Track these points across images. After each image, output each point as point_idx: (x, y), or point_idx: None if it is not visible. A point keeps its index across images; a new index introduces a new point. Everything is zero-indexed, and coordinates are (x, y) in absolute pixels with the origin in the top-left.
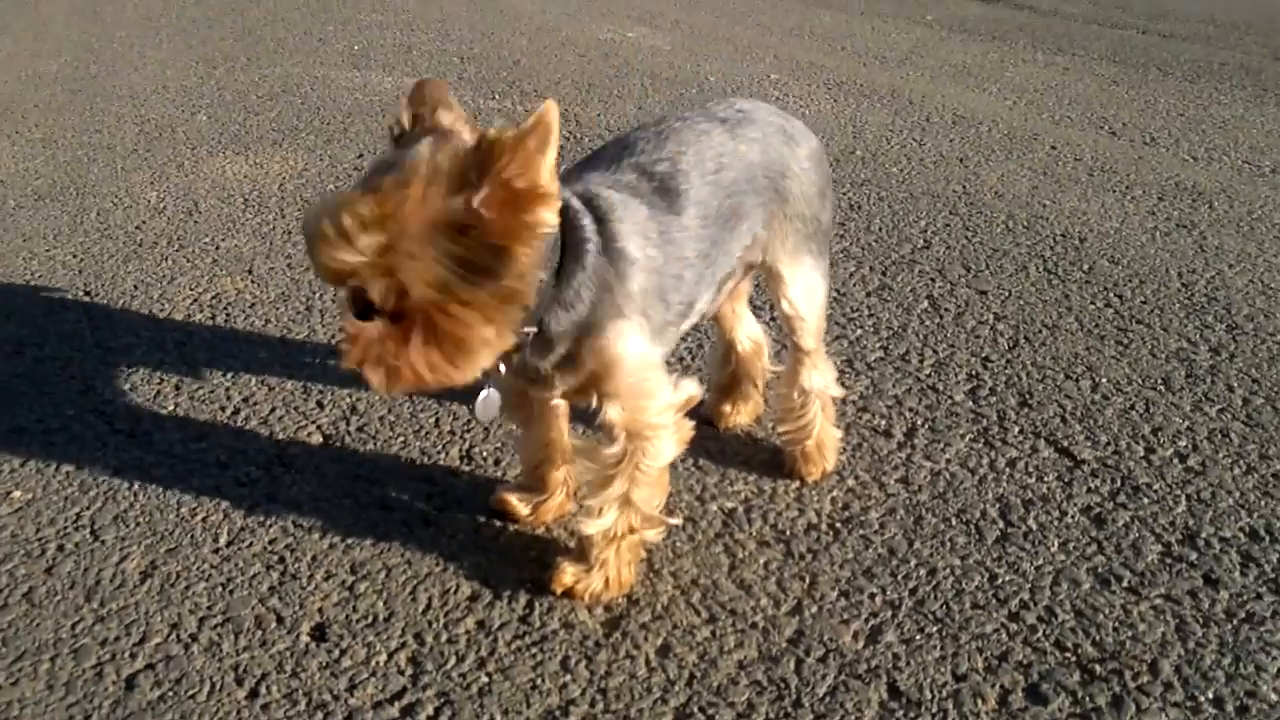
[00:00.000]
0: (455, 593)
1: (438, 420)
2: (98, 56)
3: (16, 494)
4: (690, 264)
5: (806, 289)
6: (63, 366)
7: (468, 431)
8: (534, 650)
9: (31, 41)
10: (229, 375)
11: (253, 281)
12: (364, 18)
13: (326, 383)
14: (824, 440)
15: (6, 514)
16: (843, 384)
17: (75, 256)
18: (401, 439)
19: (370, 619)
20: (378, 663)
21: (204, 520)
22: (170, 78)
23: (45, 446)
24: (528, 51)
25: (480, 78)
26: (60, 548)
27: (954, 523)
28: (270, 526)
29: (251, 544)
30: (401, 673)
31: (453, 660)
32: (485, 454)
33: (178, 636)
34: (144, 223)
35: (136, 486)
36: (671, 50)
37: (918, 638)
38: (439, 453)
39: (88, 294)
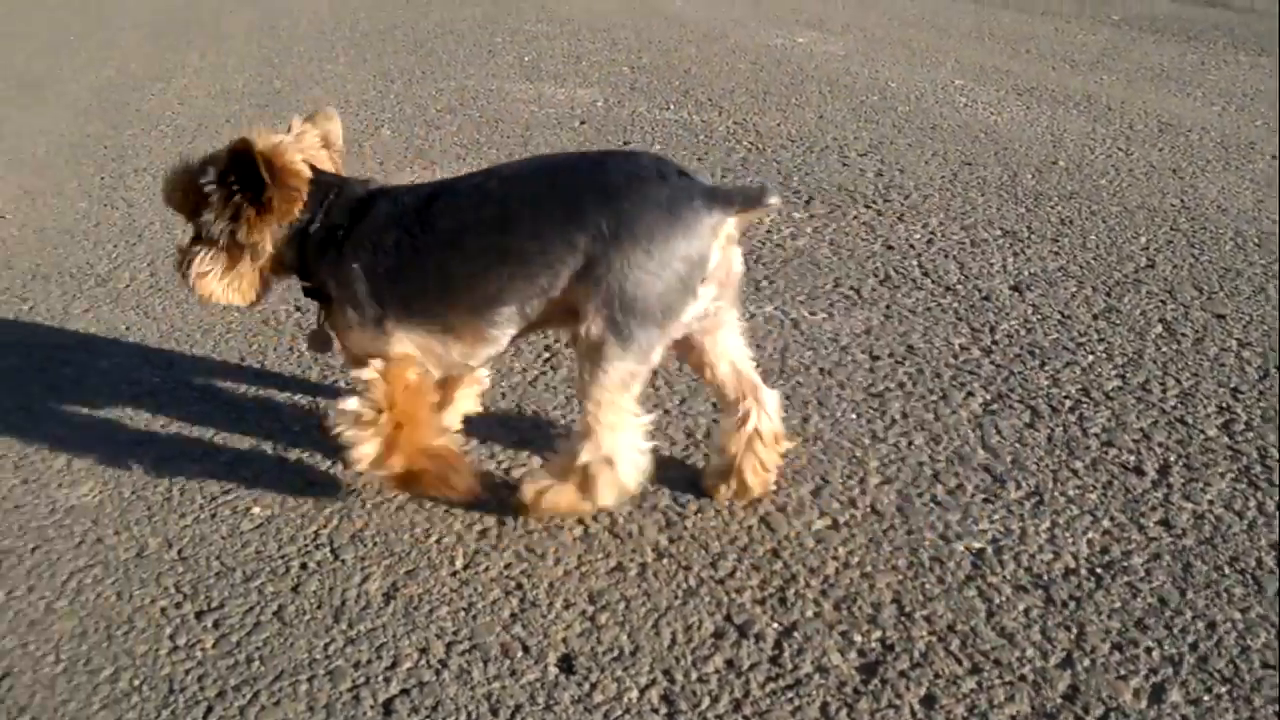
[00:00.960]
0: (699, 628)
1: (671, 445)
2: (279, 71)
3: (256, 510)
4: None
5: None
6: (283, 386)
7: (706, 458)
8: (790, 695)
9: (216, 57)
10: None
11: None
12: (531, 28)
13: (541, 405)
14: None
15: (249, 530)
16: (1080, 414)
17: None
18: None
19: (616, 652)
20: (630, 699)
21: (438, 542)
22: (350, 91)
23: (278, 464)
24: (697, 60)
25: (652, 88)
26: (303, 566)
27: (1227, 572)
28: (504, 551)
29: (488, 568)
30: (655, 711)
31: (706, 701)
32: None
33: (427, 662)
34: None
35: (369, 506)
36: (846, 56)
37: (1206, 698)
38: (673, 481)
39: (297, 308)
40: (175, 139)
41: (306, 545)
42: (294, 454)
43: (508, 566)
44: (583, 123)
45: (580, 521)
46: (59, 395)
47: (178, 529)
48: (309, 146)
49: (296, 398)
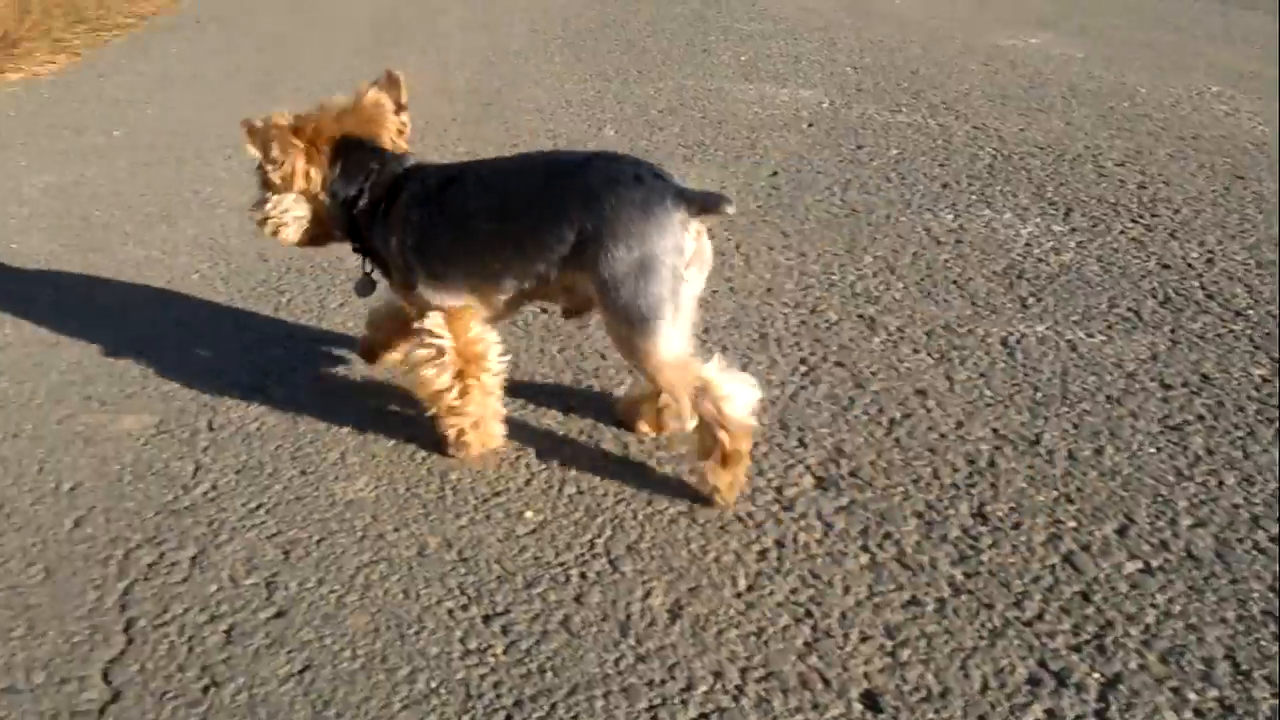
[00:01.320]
0: (1011, 673)
1: (935, 471)
2: (497, 70)
3: (529, 514)
4: None
5: None
6: (536, 392)
7: (987, 487)
8: None
9: (435, 55)
10: None
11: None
12: (744, 27)
13: (805, 422)
14: None
15: (524, 534)
16: None
17: None
18: (901, 488)
19: (923, 693)
20: None
21: (717, 560)
22: (570, 91)
23: (544, 468)
24: (924, 61)
25: (879, 89)
26: (583, 575)
27: None
28: (788, 574)
29: (773, 592)
30: None
31: None
32: (1001, 513)
33: (723, 687)
34: None
35: (642, 517)
36: (1086, 58)
37: None
38: (947, 507)
39: (543, 310)
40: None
41: (583, 554)
42: (557, 459)
43: (794, 591)
44: (810, 125)
45: (865, 549)
46: (326, 389)
47: (455, 529)
48: (370, 117)
49: (551, 399)
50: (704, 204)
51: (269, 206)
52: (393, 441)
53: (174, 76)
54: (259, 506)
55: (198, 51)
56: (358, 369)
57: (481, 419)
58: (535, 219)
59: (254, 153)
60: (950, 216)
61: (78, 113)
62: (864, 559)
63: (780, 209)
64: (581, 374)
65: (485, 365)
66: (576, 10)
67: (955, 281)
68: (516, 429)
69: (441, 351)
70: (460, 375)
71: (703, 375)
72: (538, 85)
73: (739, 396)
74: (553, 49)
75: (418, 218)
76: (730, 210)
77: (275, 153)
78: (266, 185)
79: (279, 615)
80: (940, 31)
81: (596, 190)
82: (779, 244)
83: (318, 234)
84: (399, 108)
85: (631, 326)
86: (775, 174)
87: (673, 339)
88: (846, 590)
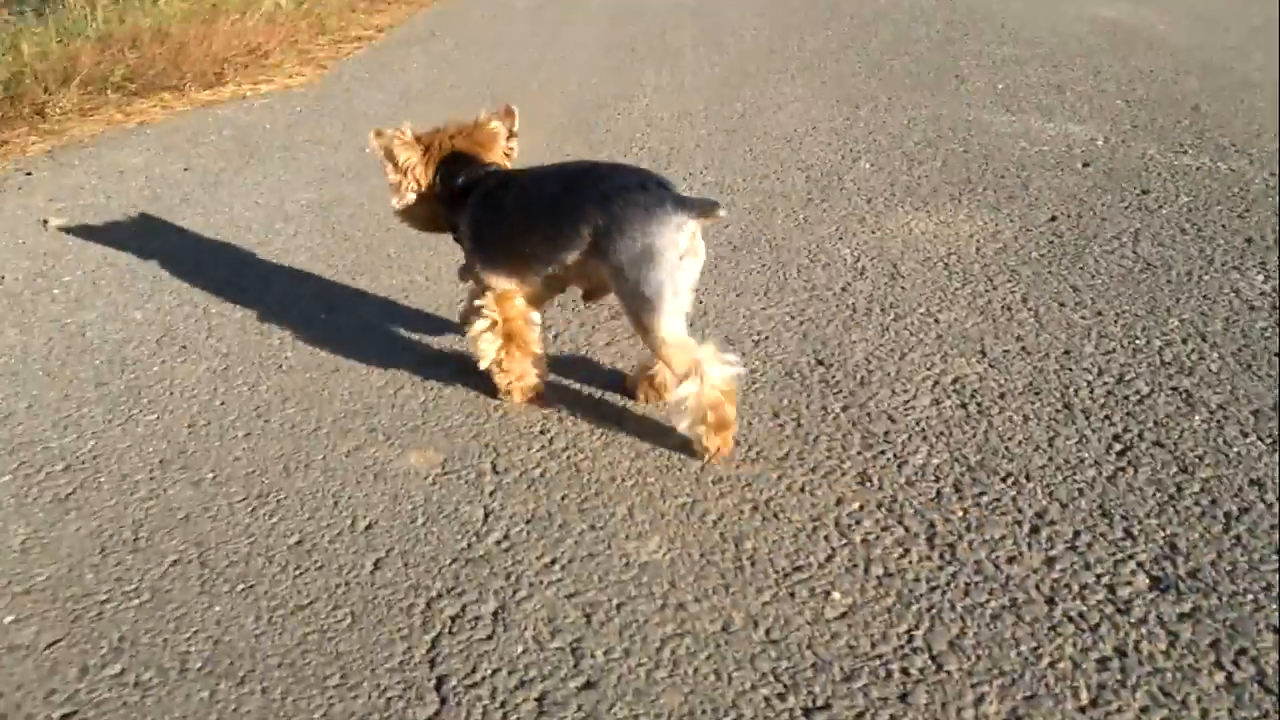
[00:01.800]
0: None
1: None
2: (737, 93)
3: (836, 595)
4: None
5: None
6: (815, 464)
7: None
8: None
9: (671, 75)
10: (1011, 484)
11: (989, 366)
12: (996, 51)
13: (1129, 510)
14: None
15: (834, 618)
16: None
17: (793, 318)
18: (1251, 596)
19: None
20: None
21: (1052, 666)
22: (816, 118)
23: (843, 541)
24: (1203, 95)
25: (1158, 126)
26: (905, 671)
27: None
28: (1135, 689)
29: (1121, 709)
30: None
31: None
32: None
33: None
34: (848, 284)
35: (961, 609)
36: None
37: None
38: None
39: (819, 361)
40: (650, 164)
41: (902, 647)
42: (857, 535)
43: (1144, 711)
44: (1086, 165)
45: (1219, 665)
46: (604, 434)
47: (758, 605)
48: (482, 140)
49: (846, 468)
50: (698, 209)
51: (394, 199)
52: (680, 500)
53: (414, 92)
54: (553, 562)
55: (435, 66)
56: (633, 411)
57: (524, 374)
58: (559, 216)
59: (379, 154)
60: (1260, 278)
61: (328, 127)
62: (1219, 677)
63: (1065, 259)
64: (871, 438)
65: (525, 336)
66: (811, 29)
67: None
68: (808, 498)
69: (494, 324)
70: (507, 341)
71: (697, 355)
72: (781, 110)
73: (725, 369)
74: (792, 70)
75: (477, 213)
76: (722, 214)
77: (397, 157)
78: (392, 182)
79: (589, 686)
80: (1216, 62)
81: (609, 195)
82: (1070, 300)
83: (429, 223)
84: (510, 135)
85: (638, 306)
86: (1054, 219)
87: (671, 318)
88: (1205, 714)
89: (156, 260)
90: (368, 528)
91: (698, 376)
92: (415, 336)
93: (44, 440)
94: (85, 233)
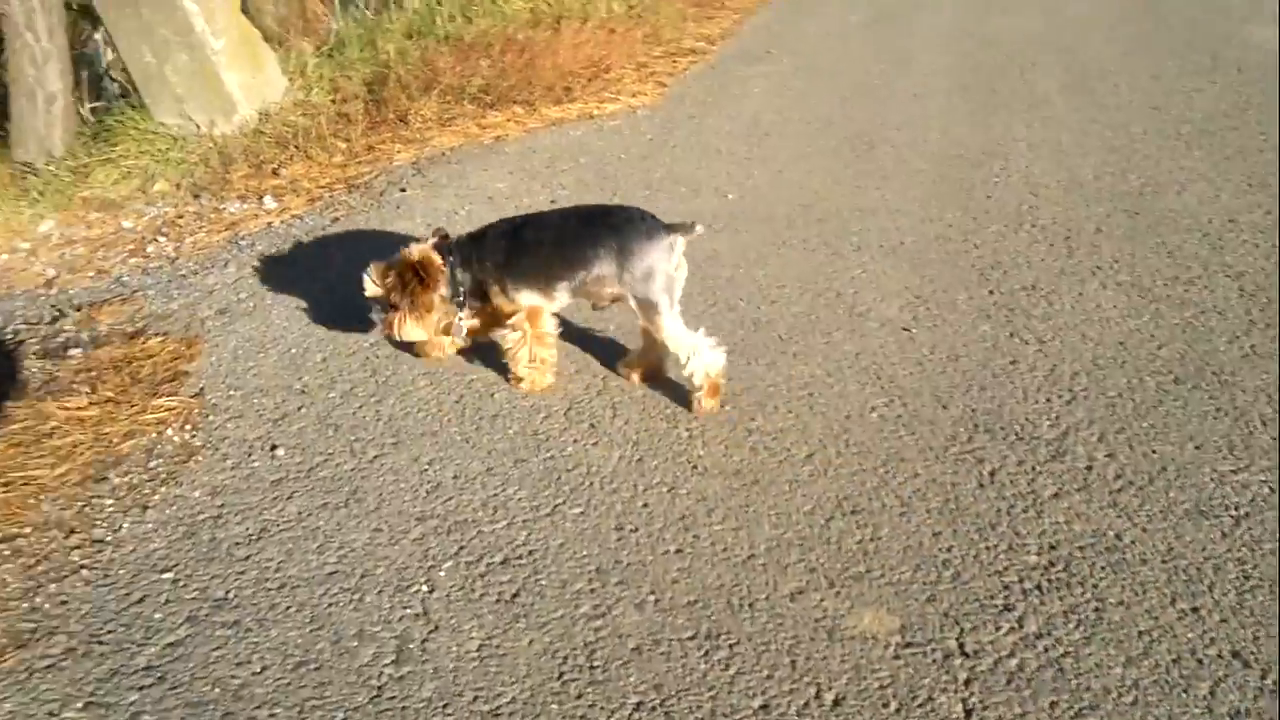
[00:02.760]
0: None
1: None
2: (1128, 160)
3: None
4: None
5: None
6: None
7: None
8: None
9: (1044, 130)
10: None
11: None
12: None
13: None
14: None
15: None
16: None
17: None
18: None
19: None
20: None
21: None
22: (1231, 206)
23: None
24: None
25: None
26: None
27: None
28: None
29: None
30: None
31: None
32: None
33: None
34: None
35: None
36: None
37: None
38: None
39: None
40: (1048, 248)
41: None
42: None
43: None
44: None
45: None
46: (1048, 615)
47: None
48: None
49: None
50: (681, 230)
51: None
52: None
53: (763, 122)
54: None
55: (778, 94)
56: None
57: (542, 372)
58: (579, 244)
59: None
60: None
61: (683, 163)
62: None
63: None
64: None
65: (546, 344)
66: (1190, 78)
67: None
68: None
69: (525, 337)
70: (535, 346)
71: (693, 341)
72: (1184, 191)
73: (715, 353)
74: (1186, 136)
75: (505, 244)
76: (699, 230)
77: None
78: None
79: None
80: None
81: (620, 226)
82: None
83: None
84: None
85: (648, 310)
86: None
87: (671, 317)
88: None
89: None
90: (835, 703)
91: (697, 356)
92: (836, 453)
93: (477, 522)
94: None
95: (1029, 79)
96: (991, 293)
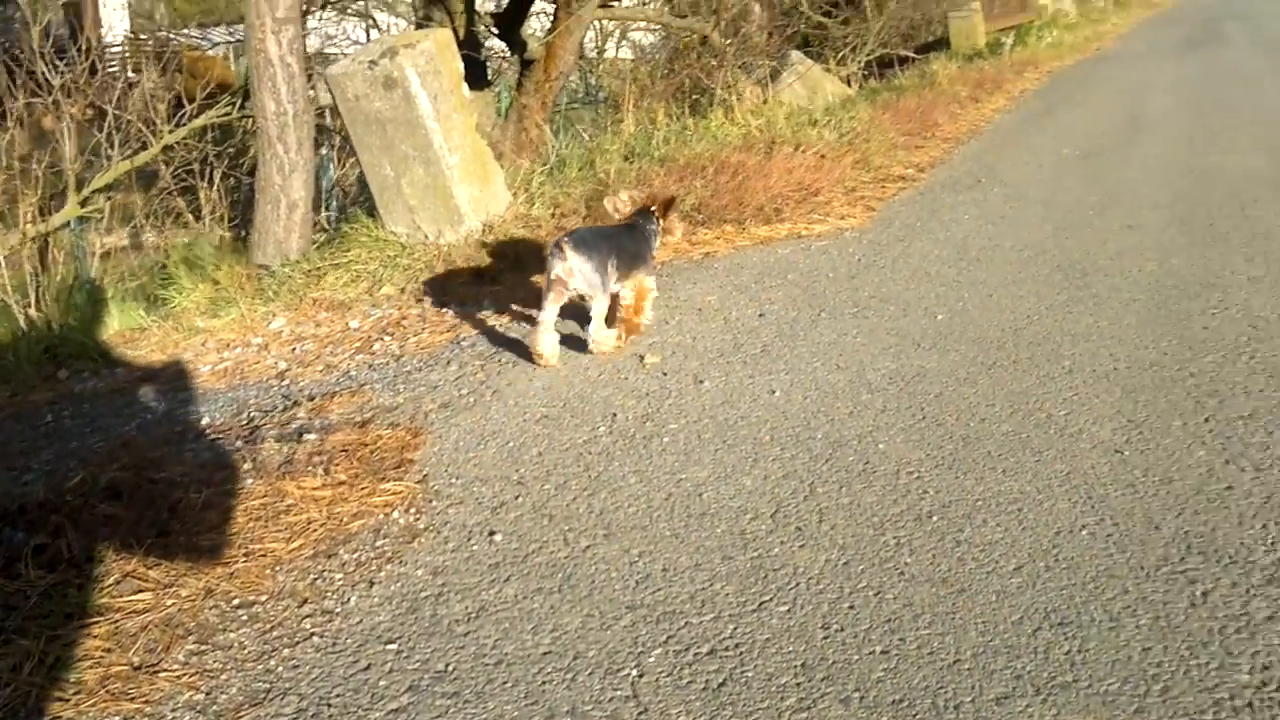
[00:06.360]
0: None
1: None
2: None
3: None
4: None
5: None
6: None
7: None
8: None
9: (1265, 265)
10: None
11: None
12: None
13: None
14: None
15: None
16: None
17: None
18: None
19: None
20: None
21: None
22: None
23: None
24: None
25: None
26: None
27: None
28: None
29: None
30: None
31: None
32: None
33: None
34: None
35: None
36: None
37: None
38: None
39: None
40: (1267, 379)
41: None
42: None
43: None
44: None
45: None
46: None
47: None
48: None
49: None
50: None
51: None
52: None
53: (973, 248)
54: None
55: (988, 221)
56: None
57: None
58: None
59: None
60: None
61: (891, 283)
62: None
63: None
64: None
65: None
66: None
67: None
68: None
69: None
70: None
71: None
72: None
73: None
74: None
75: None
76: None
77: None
78: None
79: None
80: None
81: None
82: None
83: None
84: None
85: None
86: None
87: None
88: None
89: (749, 418)
90: None
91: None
92: (1040, 564)
93: (684, 614)
94: (679, 376)
95: (1250, 214)
96: (1207, 420)
